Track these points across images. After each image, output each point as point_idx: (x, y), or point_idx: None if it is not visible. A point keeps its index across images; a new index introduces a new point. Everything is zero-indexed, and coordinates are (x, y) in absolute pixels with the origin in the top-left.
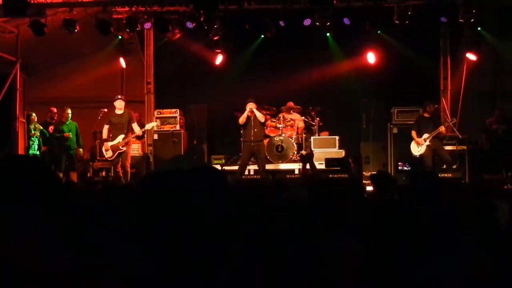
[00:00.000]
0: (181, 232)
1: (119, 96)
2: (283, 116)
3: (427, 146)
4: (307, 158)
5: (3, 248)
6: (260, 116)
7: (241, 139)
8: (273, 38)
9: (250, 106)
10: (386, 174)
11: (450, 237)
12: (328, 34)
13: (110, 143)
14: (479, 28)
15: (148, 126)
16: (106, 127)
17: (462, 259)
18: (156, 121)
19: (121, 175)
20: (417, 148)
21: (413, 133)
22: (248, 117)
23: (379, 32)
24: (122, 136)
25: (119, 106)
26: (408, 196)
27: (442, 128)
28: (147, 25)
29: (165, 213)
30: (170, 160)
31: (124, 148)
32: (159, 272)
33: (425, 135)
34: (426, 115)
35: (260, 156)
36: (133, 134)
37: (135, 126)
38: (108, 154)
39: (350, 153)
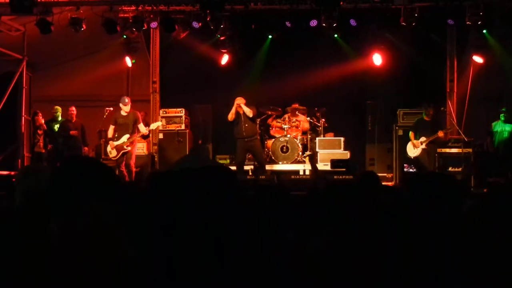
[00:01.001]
0: (190, 231)
1: (126, 100)
2: (289, 117)
3: (423, 149)
4: (310, 158)
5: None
6: (248, 111)
7: (235, 136)
8: (279, 39)
9: (238, 101)
10: (372, 174)
11: (453, 240)
12: (336, 35)
13: (115, 143)
14: (484, 31)
15: (153, 126)
16: (112, 127)
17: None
18: (161, 121)
19: (125, 174)
20: (413, 150)
21: (411, 134)
22: (238, 114)
23: (386, 35)
24: (127, 136)
25: (125, 107)
26: (405, 197)
27: (440, 133)
28: (153, 25)
29: (173, 212)
30: (180, 160)
31: (129, 148)
32: (166, 270)
33: (422, 138)
34: (426, 118)
35: (256, 153)
36: (138, 134)
37: (141, 126)
38: (113, 154)
39: (356, 155)
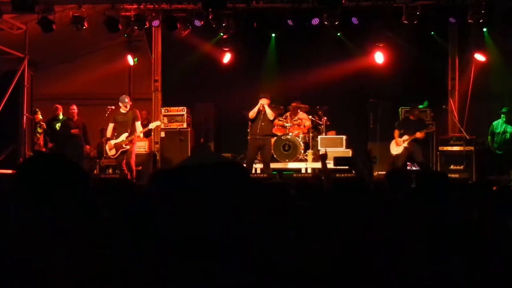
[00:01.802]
0: (201, 229)
1: (126, 99)
2: (290, 115)
3: (404, 147)
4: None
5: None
6: (269, 114)
7: (248, 134)
8: (281, 37)
9: (262, 101)
10: (401, 172)
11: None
12: (339, 34)
13: (113, 141)
14: (484, 29)
15: (152, 125)
16: (111, 125)
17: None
18: (163, 119)
19: (126, 172)
20: (395, 148)
21: (396, 133)
22: (259, 112)
23: (388, 33)
24: (126, 134)
25: (124, 106)
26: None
27: (418, 134)
28: (155, 23)
29: (179, 211)
30: (185, 160)
31: (128, 147)
32: (170, 270)
33: (405, 137)
34: (411, 117)
35: (264, 151)
36: (136, 133)
37: (138, 124)
38: (112, 153)
39: (358, 153)
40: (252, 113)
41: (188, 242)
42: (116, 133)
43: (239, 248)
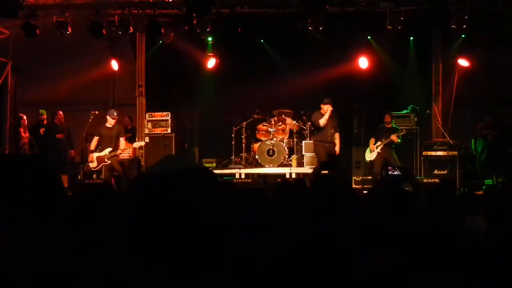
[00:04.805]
0: (174, 234)
1: (114, 113)
2: (275, 120)
3: (378, 153)
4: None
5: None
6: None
7: (315, 139)
8: (266, 42)
9: (330, 108)
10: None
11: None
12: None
13: (96, 154)
14: (462, 36)
15: (136, 145)
16: (95, 138)
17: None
18: (147, 124)
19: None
20: (369, 154)
21: (371, 140)
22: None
23: (369, 38)
24: (110, 149)
25: (111, 120)
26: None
27: (393, 137)
28: (140, 28)
29: (157, 215)
30: (160, 162)
31: (109, 162)
32: (152, 275)
33: (378, 143)
34: (386, 125)
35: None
36: (119, 150)
37: (121, 140)
38: (93, 165)
39: (342, 158)
40: (323, 121)
41: (156, 252)
42: (100, 146)
43: (212, 258)
